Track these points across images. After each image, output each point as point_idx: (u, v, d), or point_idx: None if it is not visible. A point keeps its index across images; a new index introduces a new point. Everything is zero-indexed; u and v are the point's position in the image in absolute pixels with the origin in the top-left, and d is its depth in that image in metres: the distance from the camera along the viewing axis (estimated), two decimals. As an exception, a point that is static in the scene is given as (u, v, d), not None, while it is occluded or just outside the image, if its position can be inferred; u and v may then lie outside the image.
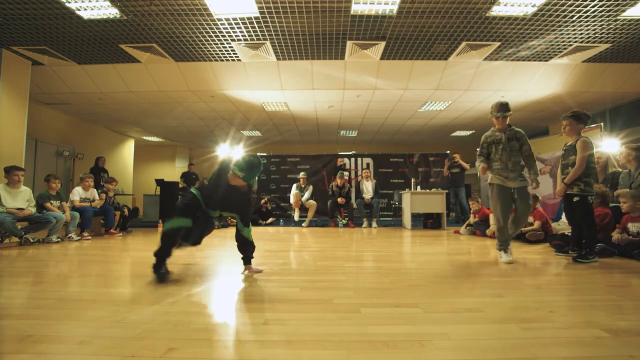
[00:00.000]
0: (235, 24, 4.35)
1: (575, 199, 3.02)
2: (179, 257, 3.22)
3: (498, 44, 4.89)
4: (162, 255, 2.27)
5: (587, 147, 2.99)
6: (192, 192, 2.49)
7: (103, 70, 5.70)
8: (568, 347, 1.21)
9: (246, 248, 2.48)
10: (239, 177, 2.29)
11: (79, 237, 4.62)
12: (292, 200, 7.42)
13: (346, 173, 7.98)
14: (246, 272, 2.47)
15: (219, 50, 5.11)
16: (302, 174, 7.62)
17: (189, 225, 2.33)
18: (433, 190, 6.53)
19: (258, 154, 9.16)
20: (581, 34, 4.60)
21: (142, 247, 4.11)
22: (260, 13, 4.11)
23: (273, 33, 4.59)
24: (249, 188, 2.53)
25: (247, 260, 2.48)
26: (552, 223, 4.32)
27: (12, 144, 5.12)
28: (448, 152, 8.39)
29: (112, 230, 5.41)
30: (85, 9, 4.01)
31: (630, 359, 1.12)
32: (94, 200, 5.26)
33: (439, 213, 6.35)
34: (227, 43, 4.87)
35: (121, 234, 5.50)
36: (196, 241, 2.69)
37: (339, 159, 8.44)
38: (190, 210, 2.40)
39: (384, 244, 4.22)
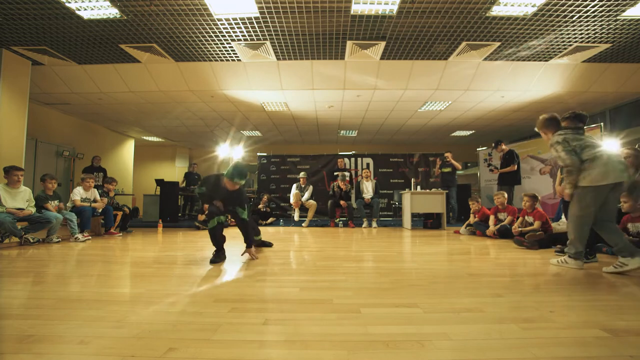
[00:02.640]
0: (235, 24, 4.35)
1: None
2: (178, 257, 3.23)
3: (498, 44, 4.89)
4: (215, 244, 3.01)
5: None
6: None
7: (103, 70, 5.70)
8: (568, 347, 1.21)
9: (246, 231, 3.02)
10: (239, 183, 2.91)
11: (58, 239, 4.41)
12: (292, 200, 7.42)
13: (347, 174, 7.94)
14: (245, 254, 3.08)
15: (219, 50, 5.11)
16: (302, 174, 7.61)
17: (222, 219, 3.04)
18: (433, 190, 6.53)
19: (258, 154, 9.22)
20: (581, 34, 4.60)
21: (142, 247, 4.11)
22: (260, 13, 4.11)
23: (273, 33, 4.59)
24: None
25: (248, 244, 3.04)
26: (552, 223, 4.32)
27: (12, 144, 5.12)
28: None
29: (112, 231, 5.41)
30: (85, 9, 4.01)
31: (630, 359, 1.12)
32: (94, 201, 5.26)
33: (439, 213, 6.35)
34: (227, 43, 4.87)
35: (121, 234, 5.50)
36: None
37: (339, 160, 8.36)
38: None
39: (384, 244, 4.22)
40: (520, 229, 4.34)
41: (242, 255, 3.12)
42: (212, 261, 2.87)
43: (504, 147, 6.36)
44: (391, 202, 8.65)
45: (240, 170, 2.89)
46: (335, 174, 7.42)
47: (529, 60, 5.42)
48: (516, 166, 6.03)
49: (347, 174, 7.36)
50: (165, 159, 12.44)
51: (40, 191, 4.64)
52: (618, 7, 3.96)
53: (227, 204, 3.03)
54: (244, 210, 3.01)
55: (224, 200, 2.99)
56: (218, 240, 3.00)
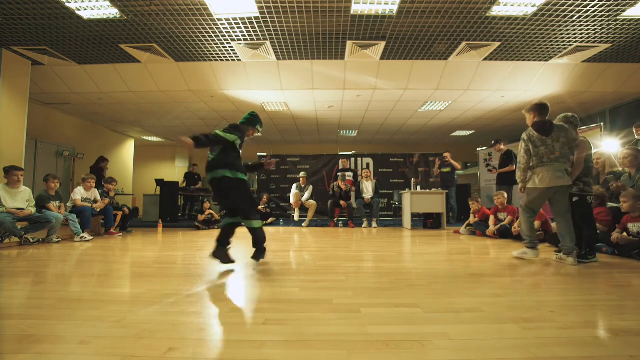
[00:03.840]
0: (235, 24, 4.35)
1: (575, 199, 3.03)
2: (178, 257, 3.23)
3: (498, 44, 4.89)
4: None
5: (584, 148, 3.00)
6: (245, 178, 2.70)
7: (103, 70, 5.70)
8: (568, 347, 1.21)
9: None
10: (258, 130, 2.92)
11: (58, 239, 4.41)
12: (292, 200, 7.42)
13: (349, 174, 7.92)
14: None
15: (219, 50, 5.11)
16: (302, 174, 7.61)
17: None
18: (433, 190, 6.53)
19: (258, 154, 9.22)
20: (581, 34, 4.60)
21: (142, 247, 4.11)
22: (260, 13, 4.11)
23: (273, 33, 4.59)
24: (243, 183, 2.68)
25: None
26: (551, 223, 4.32)
27: (12, 144, 5.12)
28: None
29: (112, 231, 5.41)
30: (85, 9, 4.00)
31: (630, 359, 1.12)
32: (95, 201, 5.26)
33: (439, 213, 6.35)
34: (227, 43, 4.87)
35: (121, 234, 5.50)
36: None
37: (343, 161, 8.34)
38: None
39: (384, 244, 4.22)
40: (520, 229, 4.34)
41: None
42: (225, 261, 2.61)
43: (502, 147, 6.37)
44: (391, 202, 8.65)
45: (256, 116, 2.94)
46: (339, 173, 7.41)
47: (529, 60, 5.42)
48: (514, 166, 6.04)
49: (350, 173, 7.36)
50: (165, 159, 12.44)
51: (43, 191, 4.64)
52: (618, 7, 3.96)
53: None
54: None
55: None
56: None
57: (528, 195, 3.08)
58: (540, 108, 3.06)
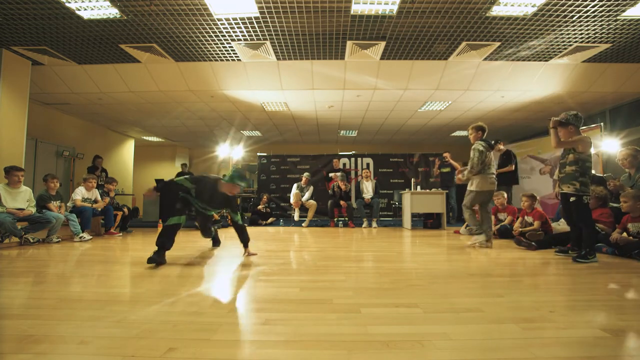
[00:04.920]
0: (235, 24, 4.35)
1: (572, 199, 3.03)
2: (178, 258, 3.23)
3: (498, 44, 4.89)
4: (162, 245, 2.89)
5: (587, 146, 3.00)
6: (185, 196, 3.21)
7: (103, 70, 5.70)
8: (568, 347, 1.21)
9: (242, 233, 3.18)
10: (240, 185, 3.09)
11: (58, 239, 4.40)
12: (292, 200, 7.41)
13: (339, 174, 7.92)
14: (245, 254, 3.20)
15: (219, 50, 5.11)
16: (306, 174, 7.59)
17: (183, 222, 3.04)
18: (433, 190, 6.53)
19: (258, 154, 9.22)
20: (581, 34, 4.60)
21: (142, 247, 4.11)
22: (260, 13, 4.11)
23: (273, 33, 4.59)
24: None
25: (245, 244, 3.20)
26: (552, 223, 4.32)
27: (12, 144, 5.12)
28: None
29: (112, 231, 5.41)
30: (85, 9, 4.00)
31: (630, 359, 1.13)
32: (95, 201, 5.26)
33: (439, 213, 6.35)
34: (227, 43, 4.87)
35: (121, 234, 5.50)
36: (204, 232, 3.66)
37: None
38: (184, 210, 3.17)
39: (384, 244, 4.22)
40: (520, 229, 4.34)
41: (243, 255, 3.21)
42: (152, 260, 2.73)
43: (501, 147, 6.36)
44: (391, 202, 8.65)
45: (241, 173, 3.15)
46: (330, 175, 7.41)
47: (529, 60, 5.42)
48: (514, 166, 6.04)
49: (338, 174, 7.36)
50: (165, 159, 12.43)
51: (43, 191, 4.64)
52: (618, 7, 3.96)
53: (217, 206, 3.31)
54: (237, 215, 3.18)
55: (215, 202, 3.20)
56: (169, 240, 2.92)
57: (472, 197, 3.89)
58: (483, 129, 4.00)
